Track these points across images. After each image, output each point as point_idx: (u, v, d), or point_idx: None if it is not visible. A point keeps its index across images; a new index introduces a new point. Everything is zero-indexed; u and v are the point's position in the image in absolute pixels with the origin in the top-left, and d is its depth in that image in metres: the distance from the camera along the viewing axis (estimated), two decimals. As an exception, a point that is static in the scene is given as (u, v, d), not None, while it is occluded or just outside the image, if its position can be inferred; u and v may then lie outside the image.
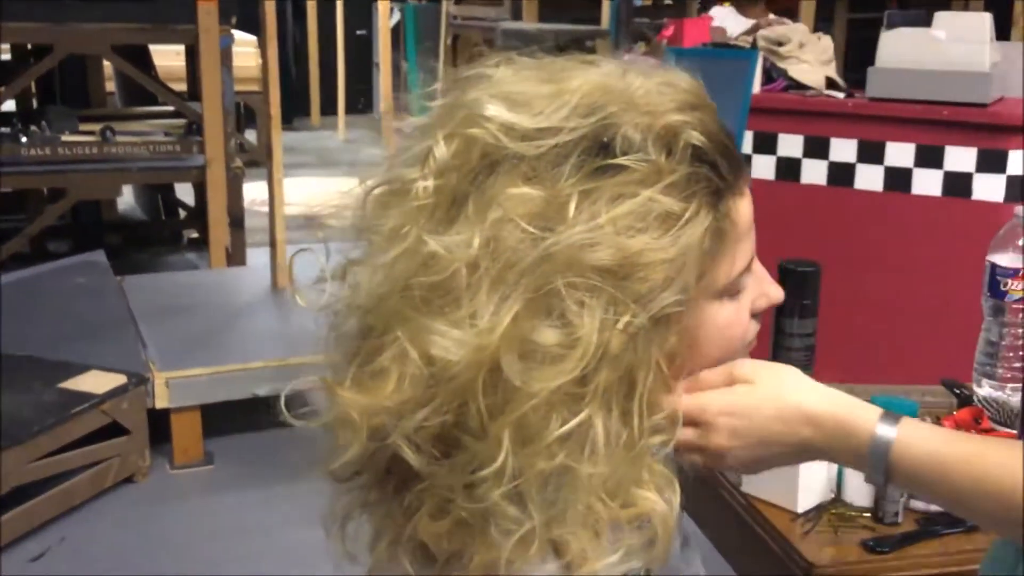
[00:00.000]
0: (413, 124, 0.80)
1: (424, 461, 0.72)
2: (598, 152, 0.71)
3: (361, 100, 11.14)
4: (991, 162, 3.13)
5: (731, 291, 0.79)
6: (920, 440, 0.78)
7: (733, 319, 0.80)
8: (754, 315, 0.83)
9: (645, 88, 0.75)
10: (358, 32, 10.86)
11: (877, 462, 0.78)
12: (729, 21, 4.27)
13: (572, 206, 0.70)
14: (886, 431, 0.78)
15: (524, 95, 0.74)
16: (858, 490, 1.57)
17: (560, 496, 0.71)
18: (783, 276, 1.80)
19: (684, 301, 0.73)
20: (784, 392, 0.79)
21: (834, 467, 1.60)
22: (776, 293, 0.83)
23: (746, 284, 0.81)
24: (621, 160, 0.71)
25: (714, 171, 0.75)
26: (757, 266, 0.82)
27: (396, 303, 0.73)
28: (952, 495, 0.78)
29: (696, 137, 0.74)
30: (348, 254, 0.80)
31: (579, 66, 0.78)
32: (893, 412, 0.79)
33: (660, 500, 0.74)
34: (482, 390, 0.70)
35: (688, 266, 0.72)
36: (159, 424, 3.35)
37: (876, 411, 0.79)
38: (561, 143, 0.72)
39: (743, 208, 0.78)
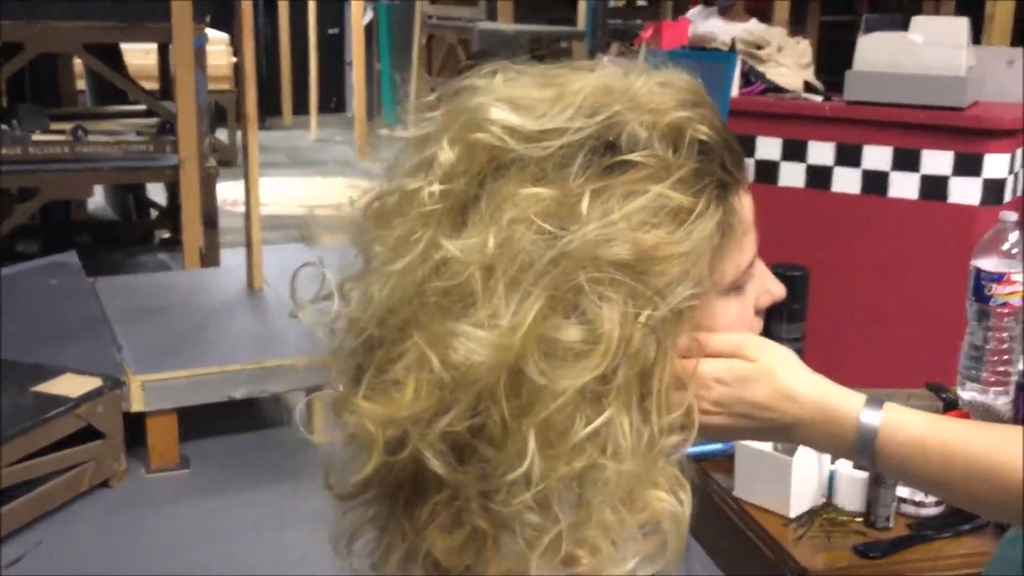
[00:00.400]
0: (406, 135, 0.79)
1: (448, 469, 0.71)
2: (605, 151, 0.72)
3: (333, 99, 11.11)
4: (967, 165, 3.16)
5: (738, 287, 0.80)
6: (905, 425, 0.78)
7: (740, 315, 0.81)
8: (758, 312, 0.84)
9: (647, 87, 0.75)
10: (330, 31, 10.81)
11: (863, 447, 0.78)
12: (717, 27, 4.32)
13: (584, 204, 0.70)
14: (871, 417, 0.78)
15: (526, 99, 0.74)
16: (850, 495, 1.58)
17: (583, 499, 0.71)
18: (771, 281, 1.80)
19: (699, 295, 0.74)
20: (780, 372, 0.80)
21: (826, 471, 1.61)
22: (778, 289, 0.84)
23: (751, 280, 0.81)
24: (629, 157, 0.72)
25: (720, 166, 0.75)
26: (758, 262, 0.83)
27: (410, 311, 0.71)
28: (937, 479, 0.79)
29: (702, 132, 0.75)
30: (345, 269, 0.79)
31: (575, 71, 0.78)
32: (877, 397, 0.79)
33: (675, 501, 0.74)
34: (505, 393, 0.69)
35: (701, 260, 0.73)
36: (134, 428, 3.32)
37: (861, 398, 0.79)
38: (567, 143, 0.72)
39: (747, 203, 0.79)
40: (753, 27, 4.27)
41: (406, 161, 0.77)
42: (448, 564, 0.73)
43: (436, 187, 0.73)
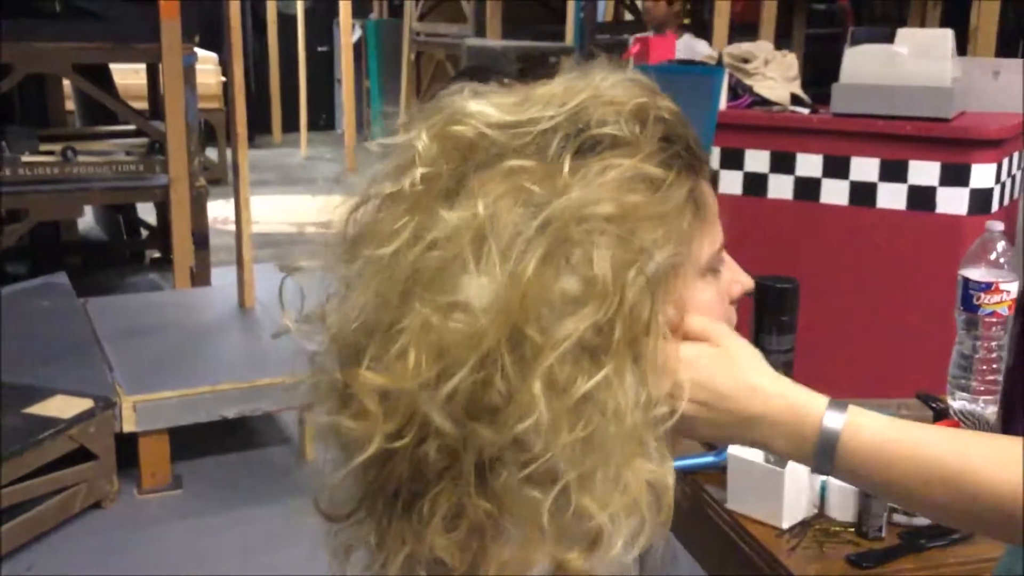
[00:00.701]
0: (385, 142, 0.81)
1: (457, 428, 0.71)
2: (578, 134, 0.75)
3: (323, 117, 11.12)
4: (954, 176, 3.18)
5: (713, 268, 0.82)
6: (868, 429, 0.77)
7: (717, 298, 0.83)
8: (732, 302, 0.86)
9: (608, 82, 0.79)
10: (319, 49, 10.84)
11: (824, 449, 0.77)
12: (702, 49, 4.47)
13: (565, 176, 0.73)
14: (834, 419, 0.77)
15: (498, 101, 0.79)
16: (842, 505, 1.58)
17: (584, 470, 0.71)
18: (760, 293, 1.81)
19: (681, 261, 0.77)
20: (744, 363, 0.80)
21: (818, 482, 1.61)
22: (748, 280, 0.86)
23: (723, 266, 0.84)
24: (600, 132, 0.75)
25: (684, 146, 0.79)
26: (727, 255, 0.85)
27: (405, 288, 0.73)
28: (897, 484, 0.78)
29: (664, 111, 0.79)
30: (331, 283, 0.80)
31: (538, 83, 0.82)
32: (842, 401, 0.78)
33: (662, 469, 0.75)
34: (508, 350, 0.70)
35: (679, 224, 0.77)
36: (126, 448, 3.31)
37: (824, 399, 0.79)
38: (542, 131, 0.75)
39: (710, 192, 0.83)
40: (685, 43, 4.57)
41: (384, 172, 0.79)
42: (452, 562, 0.73)
43: (418, 173, 0.75)
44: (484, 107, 0.77)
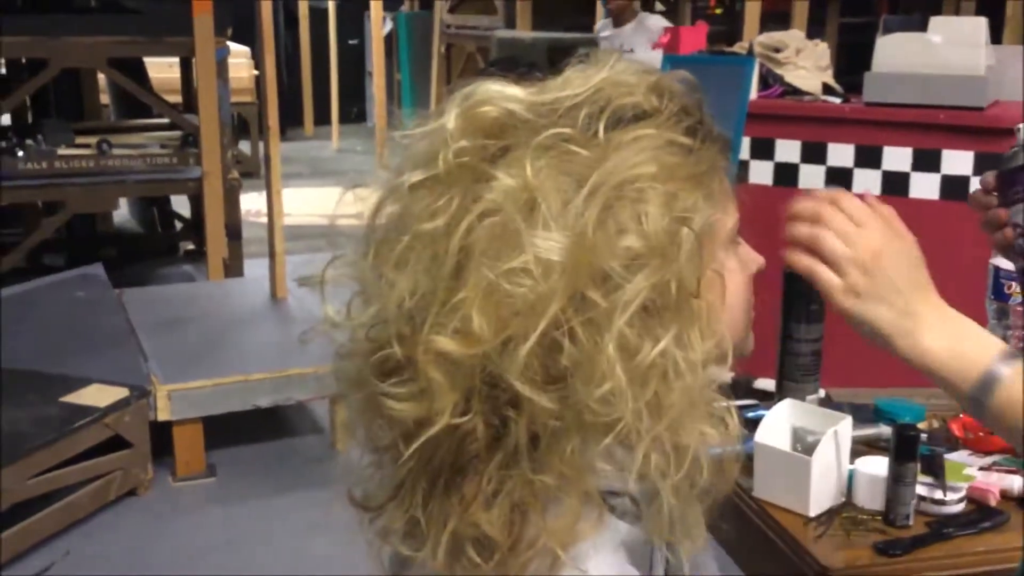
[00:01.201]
0: (410, 132, 0.81)
1: (536, 391, 0.71)
2: (600, 111, 0.77)
3: (354, 109, 11.17)
4: (988, 165, 3.13)
5: (735, 240, 0.84)
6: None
7: (741, 268, 0.85)
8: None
9: (619, 68, 0.81)
10: (350, 41, 10.88)
11: (985, 386, 0.83)
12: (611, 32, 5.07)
13: (602, 144, 0.75)
14: (1004, 364, 0.83)
15: (519, 88, 0.80)
16: (869, 493, 1.58)
17: (656, 427, 0.73)
18: (789, 282, 1.81)
19: (716, 225, 0.79)
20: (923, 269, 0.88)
21: (845, 470, 1.61)
22: (760, 259, 0.88)
23: (742, 242, 0.86)
24: (622, 104, 0.77)
25: (700, 117, 0.81)
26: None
27: (461, 259, 0.72)
28: None
29: (678, 86, 0.81)
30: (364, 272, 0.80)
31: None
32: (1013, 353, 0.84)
33: (728, 436, 0.77)
34: (575, 314, 0.71)
35: (711, 187, 0.79)
36: (161, 437, 3.35)
37: (996, 342, 0.85)
38: (567, 107, 0.77)
39: (727, 165, 0.84)
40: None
41: (413, 160, 0.79)
42: (499, 537, 0.73)
43: (451, 152, 0.75)
44: (509, 90, 0.78)
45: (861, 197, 0.89)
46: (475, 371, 0.71)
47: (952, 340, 0.85)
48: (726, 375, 0.79)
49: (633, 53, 4.87)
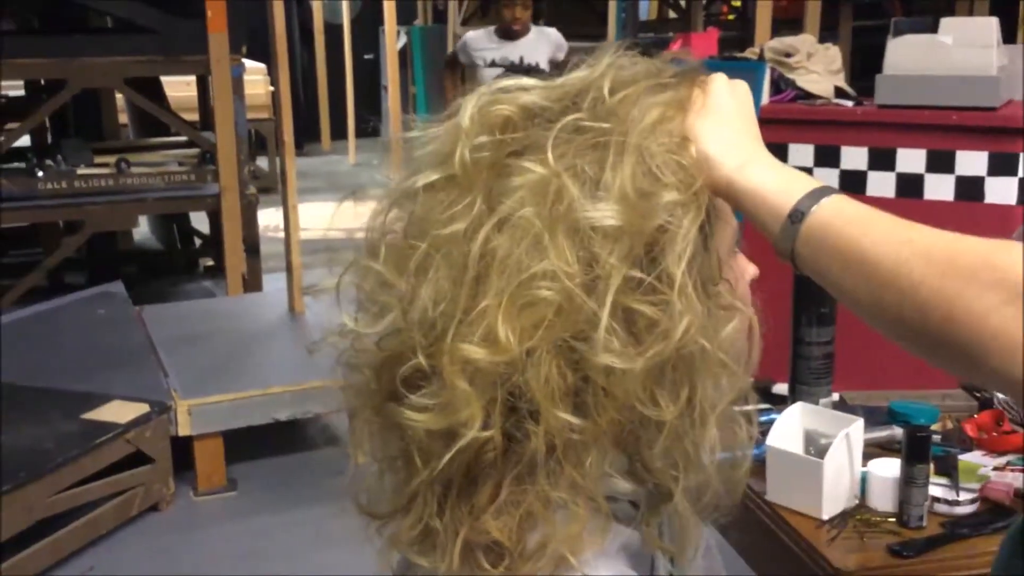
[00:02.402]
0: (417, 134, 0.81)
1: (564, 410, 0.71)
2: (605, 89, 0.77)
3: (370, 123, 11.21)
4: (1002, 165, 3.13)
5: (733, 250, 0.84)
6: (834, 212, 0.73)
7: (742, 269, 0.85)
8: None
9: (621, 60, 0.81)
10: (366, 56, 10.94)
11: (792, 222, 0.74)
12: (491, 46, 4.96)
13: (610, 110, 0.75)
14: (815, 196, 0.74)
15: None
16: (882, 495, 1.58)
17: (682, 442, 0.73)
18: (799, 285, 1.81)
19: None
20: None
21: (858, 473, 1.61)
22: (754, 268, 0.87)
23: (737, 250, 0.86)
24: (626, 77, 0.77)
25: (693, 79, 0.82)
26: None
27: (483, 266, 0.71)
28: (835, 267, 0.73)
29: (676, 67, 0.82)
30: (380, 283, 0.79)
31: None
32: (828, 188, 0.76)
33: (743, 437, 0.77)
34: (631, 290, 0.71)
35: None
36: (182, 452, 3.38)
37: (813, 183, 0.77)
38: (575, 92, 0.77)
39: None
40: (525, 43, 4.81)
41: (425, 162, 0.79)
42: (509, 544, 0.73)
43: (467, 152, 0.75)
44: (524, 81, 0.78)
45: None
46: (499, 381, 0.70)
47: (781, 169, 0.77)
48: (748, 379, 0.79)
49: (537, 68, 4.80)
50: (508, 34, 4.87)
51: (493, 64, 4.83)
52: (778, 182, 0.76)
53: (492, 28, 5.01)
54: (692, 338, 0.72)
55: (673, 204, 0.73)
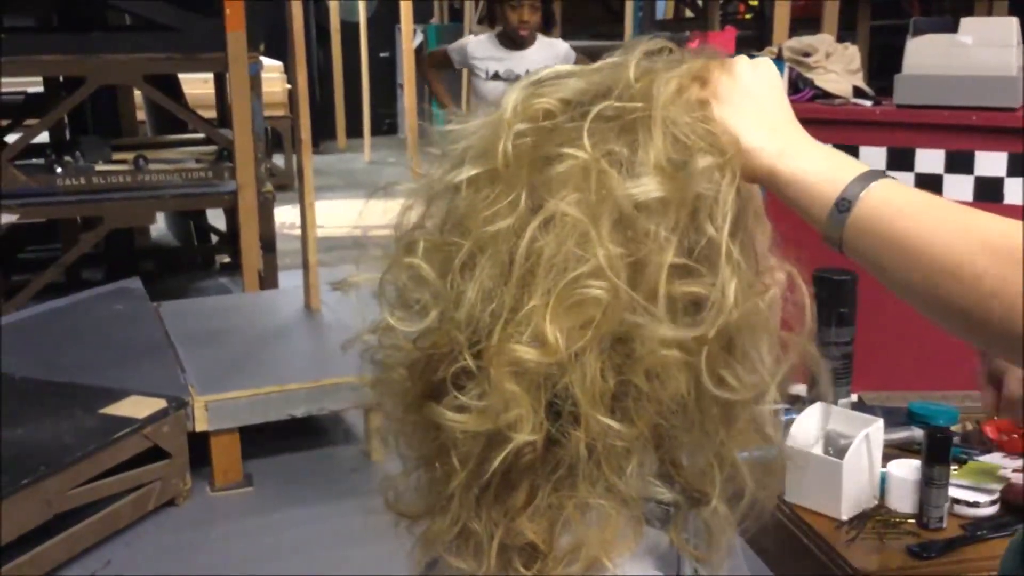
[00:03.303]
0: (452, 127, 0.80)
1: (608, 415, 0.70)
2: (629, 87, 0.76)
3: (386, 122, 11.23)
4: (1022, 166, 3.12)
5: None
6: (884, 198, 0.72)
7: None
8: None
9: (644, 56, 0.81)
10: (382, 55, 10.96)
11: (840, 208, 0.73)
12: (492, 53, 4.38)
13: (645, 87, 0.74)
14: (863, 181, 0.73)
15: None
16: (902, 496, 1.58)
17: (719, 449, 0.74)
18: (818, 285, 1.80)
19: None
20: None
21: (877, 474, 1.61)
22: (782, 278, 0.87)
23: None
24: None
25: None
26: None
27: (530, 265, 0.70)
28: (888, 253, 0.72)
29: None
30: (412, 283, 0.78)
31: None
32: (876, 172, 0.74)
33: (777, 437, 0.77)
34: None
35: None
36: (199, 447, 3.39)
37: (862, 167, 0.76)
38: (610, 80, 0.77)
39: None
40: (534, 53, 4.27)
41: (462, 158, 0.78)
42: (544, 546, 0.73)
43: (509, 145, 0.74)
44: (557, 70, 0.79)
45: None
46: (544, 383, 0.70)
47: (824, 153, 0.76)
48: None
49: None
50: (514, 42, 4.28)
51: (496, 77, 4.26)
52: (822, 168, 0.74)
53: (494, 33, 4.41)
54: (743, 305, 0.71)
55: (709, 169, 0.72)
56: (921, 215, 0.70)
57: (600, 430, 0.70)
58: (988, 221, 0.69)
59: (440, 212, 0.78)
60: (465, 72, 4.70)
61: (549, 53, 4.31)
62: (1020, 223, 0.68)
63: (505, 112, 0.76)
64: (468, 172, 0.75)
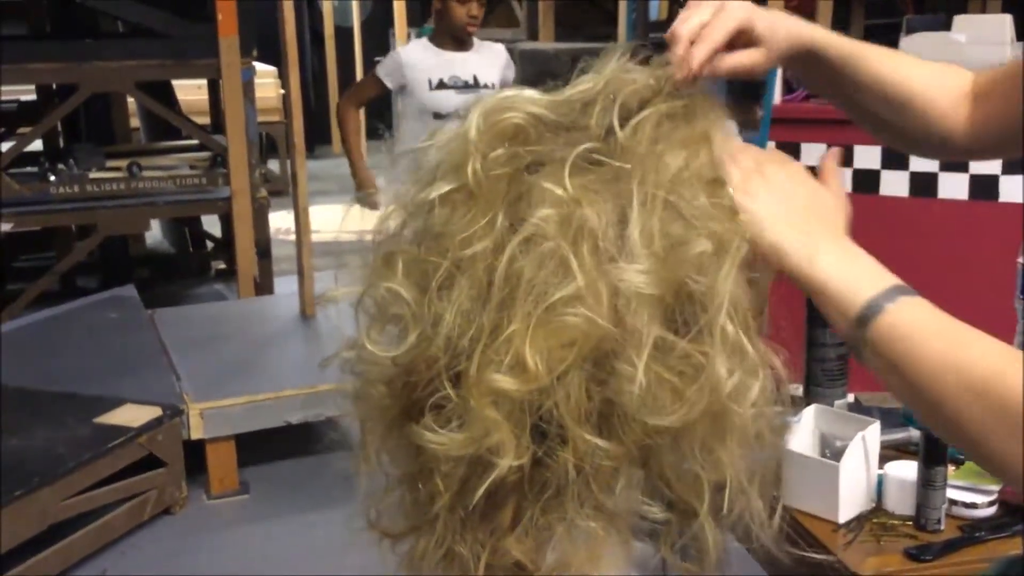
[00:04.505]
0: (426, 144, 0.79)
1: (595, 435, 0.70)
2: (612, 103, 0.75)
3: (380, 126, 11.18)
4: (1017, 164, 3.11)
5: None
6: (911, 316, 0.74)
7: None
8: None
9: (625, 68, 0.80)
10: (376, 59, 10.91)
11: (865, 317, 0.74)
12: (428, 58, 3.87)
13: (624, 146, 0.73)
14: (891, 295, 0.74)
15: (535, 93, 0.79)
16: (899, 498, 1.57)
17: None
18: (813, 286, 1.80)
19: None
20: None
21: (874, 476, 1.60)
22: None
23: None
24: (629, 90, 0.76)
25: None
26: None
27: (508, 289, 0.69)
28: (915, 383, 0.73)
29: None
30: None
31: None
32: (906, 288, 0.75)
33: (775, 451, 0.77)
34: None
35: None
36: (194, 455, 3.38)
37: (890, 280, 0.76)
38: (582, 104, 0.76)
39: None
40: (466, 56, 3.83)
41: (434, 172, 0.76)
42: (532, 566, 0.73)
43: (478, 165, 0.72)
44: (527, 93, 0.77)
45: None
46: (529, 408, 0.69)
47: (850, 261, 0.77)
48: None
49: (493, 89, 3.51)
50: (457, 42, 3.83)
51: (443, 85, 3.76)
52: (844, 279, 0.75)
53: (426, 38, 3.95)
54: (728, 394, 0.71)
55: (704, 256, 0.71)
56: (920, 348, 0.72)
57: (587, 449, 0.69)
58: (983, 359, 0.70)
59: (417, 225, 0.77)
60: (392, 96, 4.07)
61: (491, 56, 3.95)
62: (1019, 355, 0.69)
63: (469, 129, 0.74)
64: (439, 189, 0.74)
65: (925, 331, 0.72)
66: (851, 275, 0.75)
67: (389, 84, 3.87)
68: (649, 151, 0.73)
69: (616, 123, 0.74)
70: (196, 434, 3.34)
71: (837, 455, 1.57)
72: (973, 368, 0.69)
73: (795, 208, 0.77)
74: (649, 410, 0.69)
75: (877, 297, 0.73)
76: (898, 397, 0.76)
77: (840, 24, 5.83)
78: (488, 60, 3.91)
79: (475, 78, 3.82)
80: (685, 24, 0.83)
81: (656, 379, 0.69)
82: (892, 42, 3.36)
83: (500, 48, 4.10)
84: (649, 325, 0.69)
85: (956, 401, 0.69)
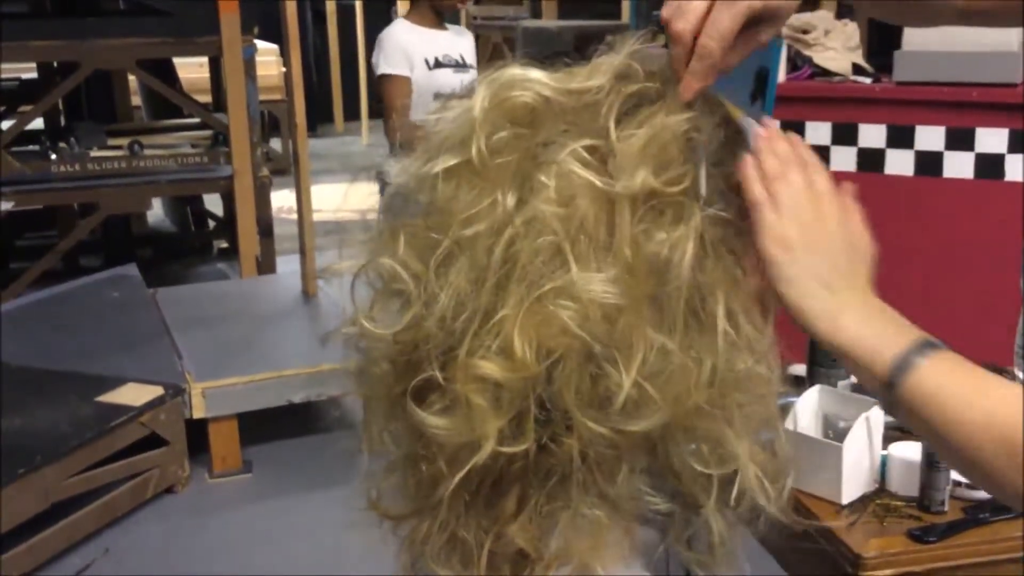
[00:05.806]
0: (436, 116, 0.77)
1: (598, 423, 0.69)
2: (615, 102, 0.73)
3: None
4: (1023, 142, 3.09)
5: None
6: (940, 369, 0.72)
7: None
8: None
9: (635, 51, 0.78)
10: (374, 59, 10.88)
11: (896, 372, 0.73)
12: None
13: (615, 142, 0.72)
14: (922, 350, 0.73)
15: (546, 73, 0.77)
16: (903, 479, 1.56)
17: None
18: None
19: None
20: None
21: (877, 457, 1.59)
22: None
23: None
24: (631, 89, 0.74)
25: None
26: None
27: (504, 272, 0.69)
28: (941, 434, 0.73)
29: None
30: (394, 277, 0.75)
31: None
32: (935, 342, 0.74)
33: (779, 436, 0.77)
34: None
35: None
36: (197, 434, 3.38)
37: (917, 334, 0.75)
38: (590, 101, 0.74)
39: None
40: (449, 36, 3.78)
41: (439, 145, 0.75)
42: (534, 553, 0.72)
43: (483, 143, 0.71)
44: (535, 73, 0.74)
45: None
46: (525, 393, 0.68)
47: (872, 321, 0.74)
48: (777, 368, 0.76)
49: (470, 70, 3.78)
50: (439, 18, 3.79)
51: (438, 64, 3.71)
52: (866, 346, 0.74)
53: (402, 19, 3.91)
54: (729, 383, 0.72)
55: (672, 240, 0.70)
56: (944, 408, 0.72)
57: (592, 436, 0.69)
58: (1008, 412, 0.70)
59: (423, 198, 0.75)
60: None
61: (463, 38, 3.90)
62: None
63: (475, 107, 0.73)
64: (444, 163, 0.73)
65: (950, 391, 0.72)
66: (873, 338, 0.74)
67: (407, 72, 3.72)
68: (643, 154, 0.71)
69: (612, 125, 0.72)
70: (198, 413, 3.34)
71: (840, 436, 1.56)
72: (1007, 423, 0.70)
73: (822, 256, 0.75)
74: (646, 409, 0.69)
75: (899, 361, 0.73)
76: (935, 451, 0.79)
77: (845, 1, 5.79)
78: (467, 41, 3.89)
79: (462, 57, 3.79)
80: (682, 19, 0.74)
81: (650, 376, 0.68)
82: (898, 20, 3.35)
83: (464, 30, 4.10)
84: (640, 326, 0.69)
85: (981, 452, 0.71)
